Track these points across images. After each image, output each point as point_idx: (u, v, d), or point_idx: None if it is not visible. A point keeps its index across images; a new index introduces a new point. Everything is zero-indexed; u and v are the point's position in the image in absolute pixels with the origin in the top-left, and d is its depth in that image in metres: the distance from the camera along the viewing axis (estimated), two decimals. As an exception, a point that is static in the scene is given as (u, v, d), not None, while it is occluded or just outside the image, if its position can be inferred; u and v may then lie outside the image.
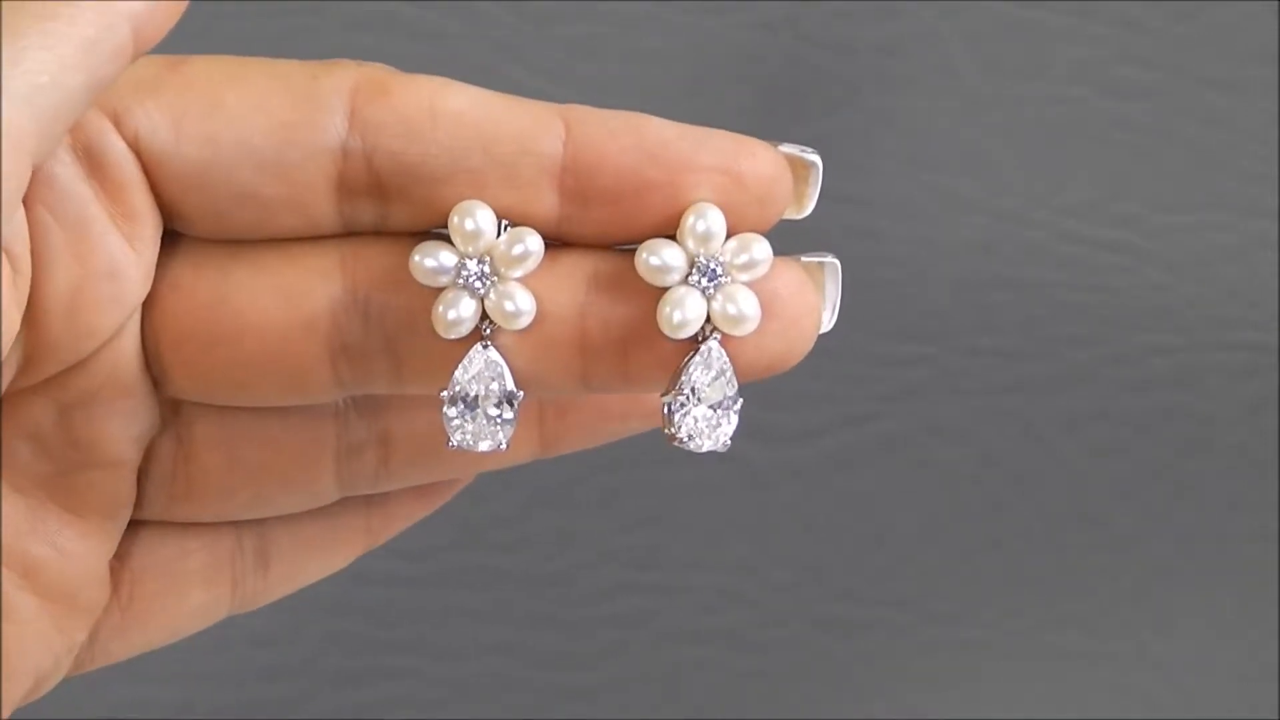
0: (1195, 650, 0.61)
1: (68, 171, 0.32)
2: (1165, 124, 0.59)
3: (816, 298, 0.33)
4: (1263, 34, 0.59)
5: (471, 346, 0.33)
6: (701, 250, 0.32)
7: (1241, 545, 0.61)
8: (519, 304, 0.32)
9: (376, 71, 0.33)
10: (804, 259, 0.33)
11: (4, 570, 0.34)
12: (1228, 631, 0.61)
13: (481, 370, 0.33)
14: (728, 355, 0.32)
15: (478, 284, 0.32)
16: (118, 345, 0.33)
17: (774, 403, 0.59)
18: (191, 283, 0.33)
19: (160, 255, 0.33)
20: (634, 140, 0.32)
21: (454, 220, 0.32)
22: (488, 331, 0.33)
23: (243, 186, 0.33)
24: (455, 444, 0.33)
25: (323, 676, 0.60)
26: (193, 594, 0.36)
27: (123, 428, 0.34)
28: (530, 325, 0.33)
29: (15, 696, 0.34)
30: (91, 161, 0.32)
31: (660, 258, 0.32)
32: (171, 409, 0.35)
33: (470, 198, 0.32)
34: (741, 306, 0.32)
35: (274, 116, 0.32)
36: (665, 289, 0.32)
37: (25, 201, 0.32)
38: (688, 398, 0.32)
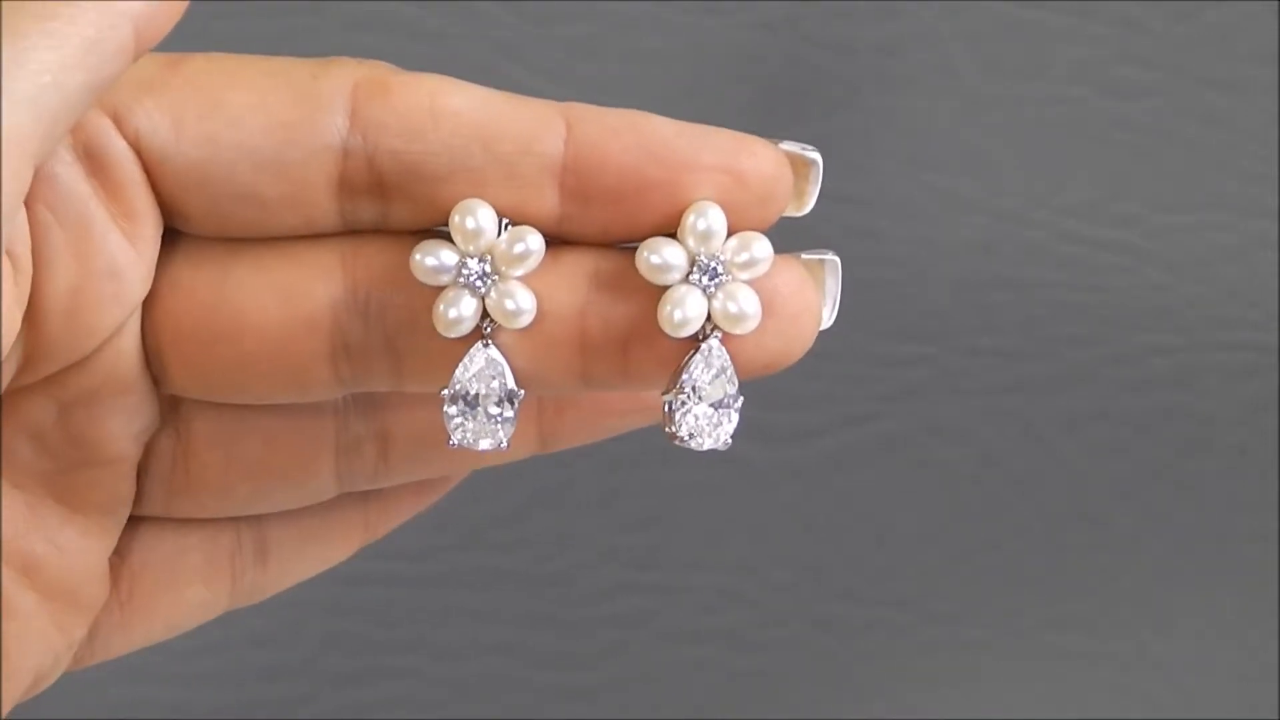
0: (1195, 650, 0.61)
1: (68, 171, 0.32)
2: (1165, 124, 0.59)
3: (816, 295, 0.33)
4: (1263, 34, 0.59)
5: (472, 345, 0.33)
6: (702, 249, 0.32)
7: (1241, 545, 0.61)
8: (520, 303, 0.32)
9: (377, 70, 0.33)
10: (804, 256, 0.33)
11: (4, 568, 0.34)
12: (1228, 631, 0.61)
13: (482, 369, 0.33)
14: (728, 353, 0.32)
15: (478, 283, 0.32)
16: (118, 343, 0.33)
17: (774, 403, 0.59)
18: (191, 281, 0.33)
19: (160, 254, 0.33)
20: (635, 139, 0.32)
21: (455, 219, 0.32)
22: (488, 330, 0.33)
23: (243, 185, 0.33)
24: (456, 442, 0.33)
25: (323, 676, 0.60)
26: (192, 589, 0.36)
27: (123, 425, 0.34)
28: (531, 324, 0.33)
29: (15, 693, 0.34)
30: (92, 161, 0.32)
31: (661, 256, 0.32)
32: (171, 406, 0.35)
33: (471, 196, 0.32)
34: (742, 305, 0.32)
35: (274, 115, 0.32)
36: (666, 287, 0.32)
37: (26, 201, 0.32)
38: (688, 396, 0.32)
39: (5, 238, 0.30)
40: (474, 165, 0.32)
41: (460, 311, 0.32)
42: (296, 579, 0.37)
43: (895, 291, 0.59)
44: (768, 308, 0.32)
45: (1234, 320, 0.60)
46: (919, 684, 0.61)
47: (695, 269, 0.32)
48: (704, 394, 0.32)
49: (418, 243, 0.33)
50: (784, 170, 0.32)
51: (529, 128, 0.32)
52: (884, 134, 0.59)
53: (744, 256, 0.32)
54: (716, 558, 0.60)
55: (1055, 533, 0.61)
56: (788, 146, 0.33)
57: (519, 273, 0.33)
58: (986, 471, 0.60)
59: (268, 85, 0.33)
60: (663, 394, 0.33)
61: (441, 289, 0.33)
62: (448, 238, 0.33)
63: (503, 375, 0.33)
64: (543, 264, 0.33)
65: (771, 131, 0.34)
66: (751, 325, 0.32)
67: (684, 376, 0.32)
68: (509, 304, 0.32)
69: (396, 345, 0.33)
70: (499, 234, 0.33)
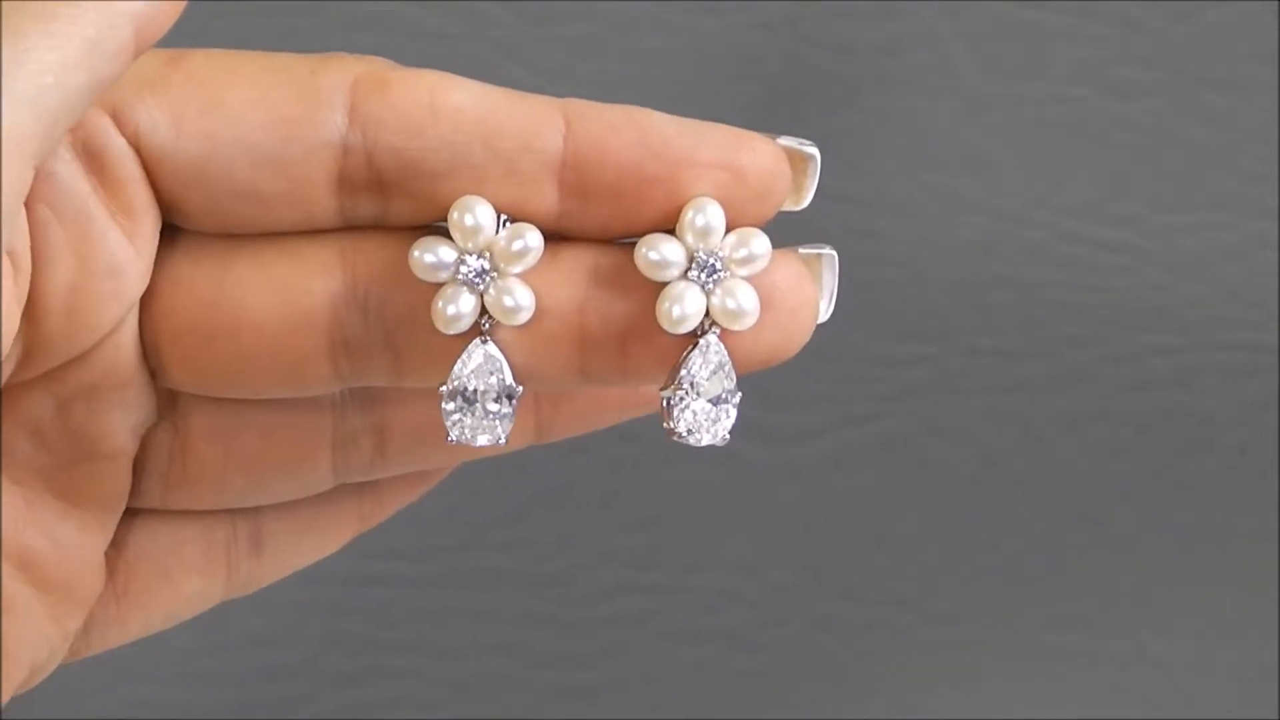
0: (1195, 650, 0.61)
1: (68, 169, 0.32)
2: (1165, 124, 0.59)
3: (814, 289, 0.33)
4: (1263, 34, 0.59)
5: (470, 341, 0.33)
6: (701, 245, 0.32)
7: (1241, 545, 0.61)
8: (518, 300, 0.32)
9: (376, 66, 0.33)
10: (802, 250, 0.33)
11: (3, 564, 0.34)
12: (1228, 631, 0.61)
13: (480, 365, 0.33)
14: (726, 349, 0.32)
15: (477, 280, 0.32)
16: (116, 339, 0.33)
17: (774, 403, 0.59)
18: (190, 277, 0.33)
19: (159, 250, 0.33)
20: (635, 135, 0.32)
21: (454, 216, 0.32)
22: (486, 326, 0.33)
23: (242, 182, 0.33)
24: (454, 439, 0.33)
25: (323, 676, 0.60)
26: (188, 581, 0.36)
27: (121, 420, 0.34)
28: (529, 320, 0.33)
29: (11, 686, 0.34)
30: (91, 158, 0.32)
31: (660, 253, 0.32)
32: (168, 400, 0.35)
33: (470, 193, 0.32)
34: (741, 301, 0.32)
35: (274, 112, 0.32)
36: (665, 284, 0.32)
37: (26, 199, 0.32)
38: (687, 391, 0.32)
39: (6, 238, 0.30)
40: (474, 162, 0.32)
41: (459, 308, 0.32)
42: (291, 569, 0.37)
43: (895, 291, 0.59)
44: (766, 302, 0.32)
45: (1234, 320, 0.60)
46: (919, 684, 0.61)
47: (694, 265, 0.32)
48: (702, 390, 0.32)
49: (417, 239, 0.33)
50: (782, 165, 0.33)
51: (528, 124, 0.32)
52: (884, 134, 0.59)
53: (742, 253, 0.32)
54: (716, 558, 0.60)
55: (1055, 533, 0.61)
56: (786, 142, 0.33)
57: (518, 269, 0.33)
58: (986, 471, 0.60)
59: (267, 81, 0.33)
60: (661, 390, 0.33)
61: (440, 285, 0.33)
62: (446, 234, 0.33)
63: (501, 371, 0.33)
64: (541, 260, 0.33)
65: (771, 131, 0.34)
66: (750, 321, 0.32)
67: (682, 372, 0.32)
68: (507, 301, 0.32)
69: (395, 341, 0.33)
70: (498, 231, 0.33)
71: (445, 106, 0.32)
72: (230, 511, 0.36)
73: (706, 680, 0.61)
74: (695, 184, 0.32)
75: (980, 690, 0.61)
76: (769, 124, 0.33)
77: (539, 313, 0.33)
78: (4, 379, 0.33)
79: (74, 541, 0.34)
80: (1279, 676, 0.61)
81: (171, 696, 0.60)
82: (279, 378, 0.33)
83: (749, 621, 0.61)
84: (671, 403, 0.32)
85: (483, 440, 0.33)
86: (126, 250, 0.33)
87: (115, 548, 0.35)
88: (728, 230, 0.32)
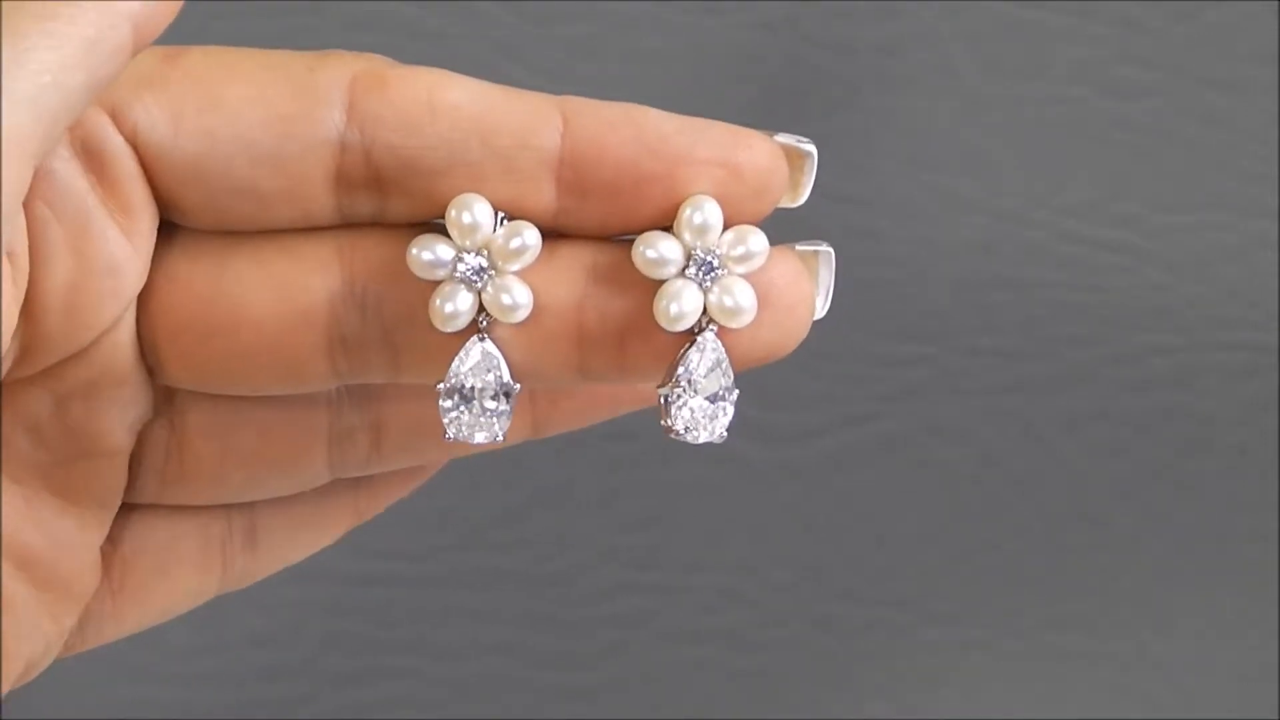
0: (1195, 650, 0.61)
1: (66, 167, 0.32)
2: (1165, 124, 0.59)
3: (811, 287, 0.33)
4: (1263, 34, 0.59)
5: (468, 339, 0.33)
6: (698, 243, 0.32)
7: (1241, 545, 0.61)
8: (516, 297, 0.32)
9: (374, 63, 0.33)
10: (799, 247, 0.33)
11: (3, 562, 0.34)
12: (1228, 631, 0.61)
13: (478, 363, 0.33)
14: (724, 346, 0.32)
15: (475, 277, 0.32)
16: (114, 336, 0.33)
17: (774, 403, 0.59)
18: (188, 274, 0.33)
19: (157, 247, 0.33)
20: (632, 133, 0.32)
21: (451, 214, 0.32)
22: (484, 324, 0.33)
23: (240, 180, 0.33)
24: (451, 436, 0.33)
25: (323, 676, 0.60)
26: (183, 576, 0.36)
27: (118, 416, 0.34)
28: (527, 318, 0.33)
29: (8, 682, 0.34)
30: (90, 156, 0.33)
31: (657, 251, 0.32)
32: (165, 396, 0.35)
33: (468, 191, 0.32)
34: (738, 299, 0.32)
35: (272, 110, 0.32)
36: (662, 281, 0.32)
37: (24, 197, 0.32)
38: (684, 389, 0.32)
39: (6, 237, 0.30)
40: (471, 159, 0.32)
41: (456, 306, 0.32)
42: (286, 563, 0.37)
43: (895, 291, 0.59)
44: (763, 299, 0.32)
45: (1234, 320, 0.60)
46: (919, 684, 0.61)
47: (691, 263, 0.32)
48: (699, 387, 0.32)
49: (415, 237, 0.33)
50: (779, 163, 0.33)
51: (526, 121, 0.32)
52: (884, 134, 0.59)
53: (740, 250, 0.32)
54: (716, 558, 0.60)
55: (1055, 533, 0.61)
56: (783, 139, 0.33)
57: (515, 267, 0.33)
58: (986, 471, 0.60)
59: (265, 79, 0.33)
60: (658, 387, 0.33)
61: (438, 283, 0.33)
62: (444, 232, 0.33)
63: (498, 369, 0.33)
64: (539, 258, 0.33)
65: (770, 130, 0.34)
66: (747, 319, 0.32)
67: (680, 370, 0.32)
68: (505, 299, 0.32)
69: (393, 339, 0.33)
70: (495, 228, 0.33)
71: (443, 104, 0.32)
72: (225, 506, 0.36)
73: (706, 680, 0.61)
74: (693, 181, 0.32)
75: (980, 690, 0.61)
76: (769, 124, 0.33)
77: (537, 310, 0.33)
78: (2, 376, 0.33)
79: (71, 538, 0.34)
80: (1279, 676, 0.61)
81: (171, 696, 0.60)
82: (277, 375, 0.33)
83: (749, 621, 0.61)
84: (669, 400, 0.32)
85: (480, 438, 0.33)
86: (124, 248, 0.33)
87: (111, 543, 0.35)
88: (725, 228, 0.32)
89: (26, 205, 0.32)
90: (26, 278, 0.32)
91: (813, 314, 0.33)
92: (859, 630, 0.61)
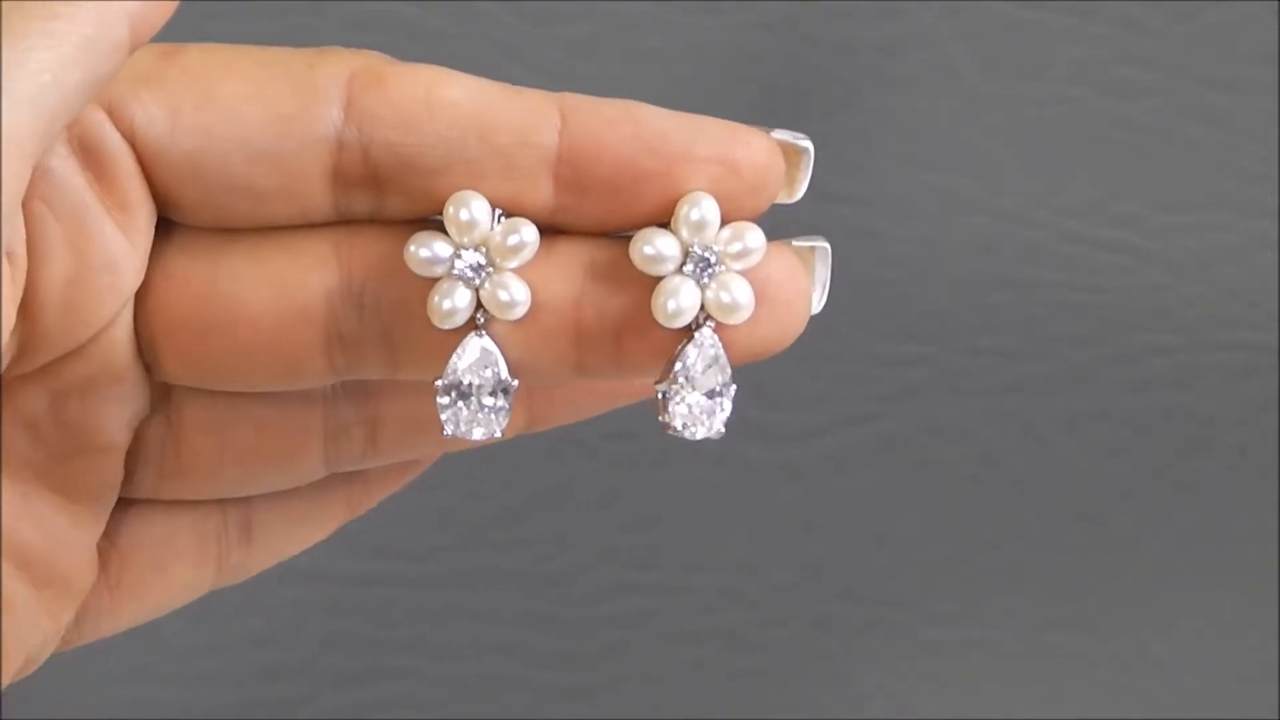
0: (1195, 650, 0.61)
1: (64, 164, 0.32)
2: (1165, 124, 0.59)
3: (807, 282, 0.33)
4: (1263, 34, 0.59)
5: (466, 336, 0.33)
6: (696, 239, 0.32)
7: (1241, 545, 0.61)
8: (514, 294, 0.32)
9: (372, 60, 0.33)
10: (795, 243, 0.33)
11: (2, 560, 0.34)
12: (1228, 631, 0.61)
13: (476, 359, 0.33)
14: (721, 342, 0.32)
15: (473, 274, 0.32)
16: (111, 333, 0.33)
17: (774, 403, 0.59)
18: (185, 271, 0.33)
19: (154, 244, 0.33)
20: (631, 130, 0.32)
21: (449, 211, 0.32)
22: (482, 321, 0.33)
23: (238, 177, 0.33)
24: (449, 433, 0.33)
25: (323, 676, 0.60)
26: (179, 571, 0.36)
27: (115, 413, 0.34)
28: (525, 315, 0.33)
29: (5, 679, 0.34)
30: (87, 153, 0.32)
31: (655, 247, 0.32)
32: (162, 392, 0.35)
33: (466, 188, 0.32)
34: (735, 295, 0.32)
35: (270, 107, 0.32)
36: (660, 278, 0.32)
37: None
38: (682, 385, 0.32)
39: (5, 237, 0.30)
40: (470, 157, 0.32)
41: (454, 303, 0.32)
42: (281, 557, 0.37)
43: (895, 291, 0.59)
44: (760, 295, 0.32)
45: (1234, 320, 0.60)
46: (919, 684, 0.61)
47: (689, 260, 0.32)
48: (697, 383, 0.33)
49: (412, 233, 0.33)
50: (776, 159, 0.33)
51: (524, 119, 0.32)
52: (884, 134, 0.59)
53: (737, 247, 0.32)
54: (716, 558, 0.60)
55: (1055, 533, 0.61)
56: (780, 135, 0.33)
57: (513, 264, 0.33)
58: (986, 471, 0.60)
59: (263, 76, 0.33)
60: (656, 383, 0.33)
61: (436, 280, 0.33)
62: (442, 229, 0.33)
63: (496, 366, 0.33)
64: (537, 255, 0.33)
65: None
66: (745, 315, 0.32)
67: (677, 366, 0.32)
68: (503, 295, 0.32)
69: (391, 336, 0.33)
70: (493, 226, 0.33)
71: (441, 102, 0.32)
72: (221, 501, 0.36)
73: (706, 680, 0.61)
74: (690, 178, 0.32)
75: (980, 690, 0.61)
76: (769, 124, 0.33)
77: (535, 307, 0.33)
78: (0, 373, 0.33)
79: (68, 535, 0.34)
80: (1279, 676, 0.61)
81: (171, 696, 0.60)
82: (274, 372, 0.33)
83: (749, 621, 0.61)
84: (667, 396, 0.32)
85: (478, 434, 0.33)
86: (122, 245, 0.33)
87: (108, 538, 0.35)
88: (722, 224, 0.32)
89: (24, 203, 0.32)
90: (24, 275, 0.32)
91: (809, 309, 0.33)
92: (859, 630, 0.61)
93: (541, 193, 0.32)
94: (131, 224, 0.33)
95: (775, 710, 0.61)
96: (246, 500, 0.36)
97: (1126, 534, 0.61)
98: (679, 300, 0.32)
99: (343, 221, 0.33)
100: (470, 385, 0.33)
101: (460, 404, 0.33)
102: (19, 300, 0.32)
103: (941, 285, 0.59)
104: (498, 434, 0.33)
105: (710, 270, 0.32)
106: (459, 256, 0.32)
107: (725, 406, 0.33)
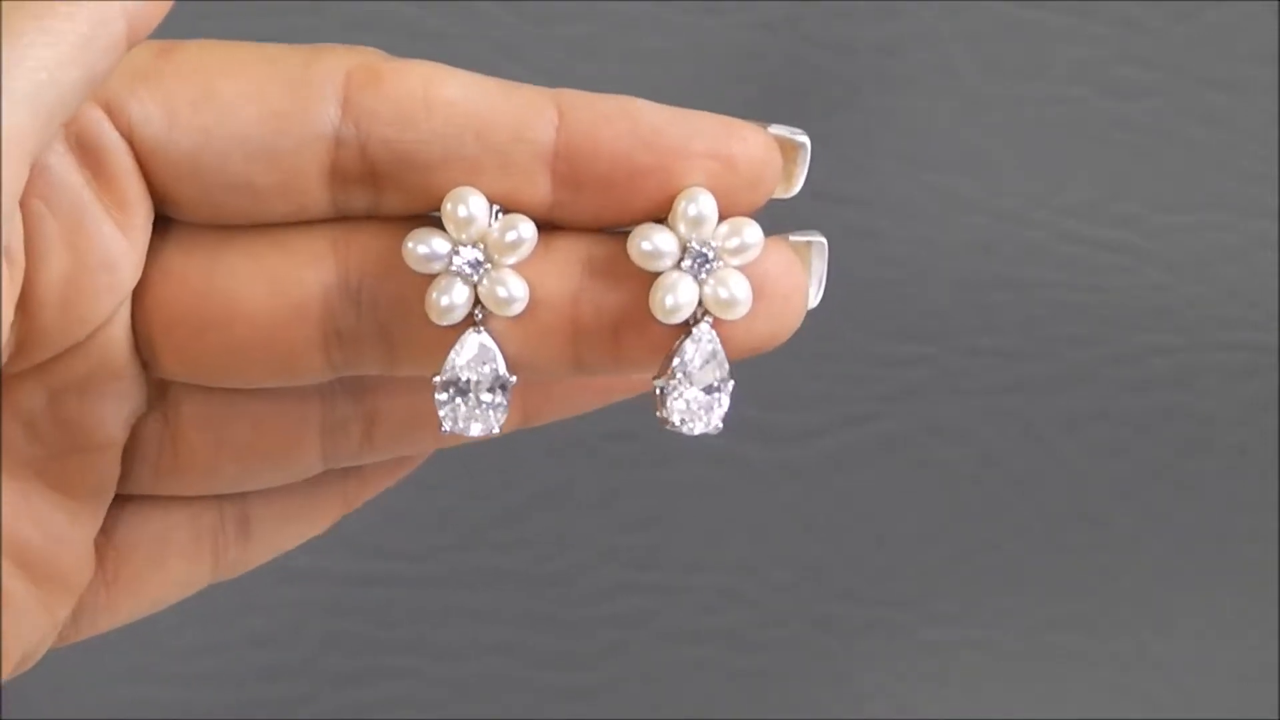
0: (1195, 650, 0.61)
1: (62, 162, 0.32)
2: (1165, 124, 0.59)
3: (805, 277, 0.33)
4: (1263, 34, 0.59)
5: (464, 332, 0.33)
6: (693, 235, 0.32)
7: (1241, 545, 0.61)
8: (512, 290, 0.32)
9: (369, 57, 0.33)
10: (792, 238, 0.33)
11: (2, 558, 0.34)
12: (1228, 631, 0.61)
13: (474, 356, 0.33)
14: (719, 338, 0.33)
15: (471, 271, 0.33)
16: (108, 330, 0.33)
17: (774, 403, 0.59)
18: (182, 268, 0.33)
19: (151, 241, 0.33)
20: (627, 126, 0.32)
21: (447, 207, 0.32)
22: (479, 317, 0.33)
23: (235, 175, 0.33)
24: (447, 429, 0.33)
25: (323, 676, 0.60)
26: (176, 566, 0.36)
27: (112, 410, 0.34)
28: (523, 311, 0.33)
29: (4, 672, 0.34)
30: (85, 151, 0.33)
31: (652, 243, 0.32)
32: (159, 389, 0.35)
33: (463, 184, 0.32)
34: (733, 290, 0.32)
35: (267, 105, 0.32)
36: (658, 274, 0.32)
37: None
38: (680, 380, 0.32)
39: (4, 235, 0.30)
40: (467, 154, 0.32)
41: (452, 299, 0.32)
42: (277, 553, 0.37)
43: (895, 291, 0.59)
44: (757, 290, 0.33)
45: (1234, 320, 0.60)
46: (919, 684, 0.61)
47: (686, 255, 0.32)
48: (695, 378, 0.33)
49: (410, 230, 0.33)
50: (773, 154, 0.33)
51: (521, 115, 0.32)
52: (884, 134, 0.59)
53: (735, 242, 0.32)
54: (716, 558, 0.60)
55: (1055, 533, 0.61)
56: (776, 130, 0.33)
57: (511, 260, 0.33)
58: (986, 471, 0.60)
59: (260, 73, 0.33)
60: (654, 379, 0.33)
61: (434, 276, 0.33)
62: (440, 225, 0.33)
63: (494, 362, 0.33)
64: (535, 251, 0.33)
65: (767, 126, 0.34)
66: (742, 311, 0.32)
67: (675, 361, 0.32)
68: (501, 292, 0.32)
69: (389, 332, 0.33)
70: (491, 222, 0.33)
71: (438, 99, 0.32)
72: (218, 497, 0.36)
73: (706, 680, 0.61)
74: (687, 174, 0.32)
75: (980, 690, 0.61)
76: (767, 123, 0.33)
77: (532, 303, 0.33)
78: (-1, 373, 0.33)
79: (65, 532, 0.34)
80: (1279, 676, 0.61)
81: (171, 696, 0.60)
82: (271, 368, 0.33)
83: (749, 621, 0.61)
84: (665, 392, 0.33)
85: (476, 430, 0.33)
86: (120, 243, 0.33)
87: (105, 535, 0.35)
88: (720, 219, 0.32)
89: (22, 201, 0.32)
90: (22, 273, 0.32)
91: (807, 304, 0.33)
92: (859, 630, 0.61)
93: (539, 189, 0.32)
94: (129, 221, 0.33)
95: (775, 710, 0.61)
96: (243, 496, 0.36)
97: (1126, 534, 0.61)
98: (677, 296, 0.32)
99: (340, 218, 0.33)
100: (468, 381, 0.33)
101: (458, 400, 0.33)
102: (17, 298, 0.32)
103: (941, 285, 0.59)
104: (495, 431, 0.33)
105: (708, 266, 0.32)
106: (457, 253, 0.32)
107: (723, 402, 0.33)
